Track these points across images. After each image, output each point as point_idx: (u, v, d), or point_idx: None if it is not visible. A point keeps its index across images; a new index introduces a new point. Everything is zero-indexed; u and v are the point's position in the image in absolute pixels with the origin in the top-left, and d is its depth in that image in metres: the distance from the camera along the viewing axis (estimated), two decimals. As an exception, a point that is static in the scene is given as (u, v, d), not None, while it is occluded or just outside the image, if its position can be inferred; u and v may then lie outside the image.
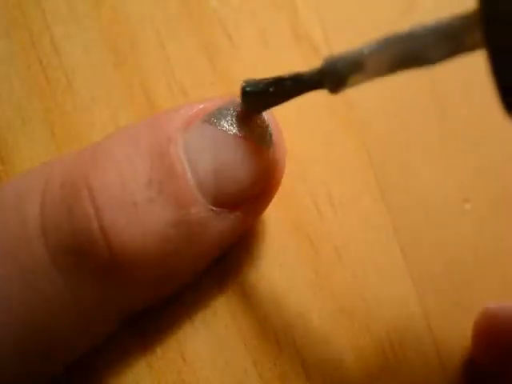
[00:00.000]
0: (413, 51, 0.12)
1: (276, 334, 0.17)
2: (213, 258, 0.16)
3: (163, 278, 0.15)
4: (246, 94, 0.14)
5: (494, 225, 0.18)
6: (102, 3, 0.18)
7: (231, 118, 0.14)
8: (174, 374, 0.16)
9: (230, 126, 0.14)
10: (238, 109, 0.15)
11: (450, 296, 0.18)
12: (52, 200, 0.14)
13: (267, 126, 0.15)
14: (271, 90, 0.14)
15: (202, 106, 0.15)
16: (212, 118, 0.14)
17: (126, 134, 0.15)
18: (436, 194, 0.18)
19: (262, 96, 0.14)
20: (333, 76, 0.12)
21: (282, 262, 0.17)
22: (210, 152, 0.14)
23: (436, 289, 0.18)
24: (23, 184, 0.15)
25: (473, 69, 0.18)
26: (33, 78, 0.18)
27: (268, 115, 0.15)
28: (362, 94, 0.18)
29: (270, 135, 0.15)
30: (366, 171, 0.18)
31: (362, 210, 0.18)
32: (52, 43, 0.18)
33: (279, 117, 0.15)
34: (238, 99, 0.15)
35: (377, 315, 0.17)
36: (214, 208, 0.14)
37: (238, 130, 0.14)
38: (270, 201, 0.16)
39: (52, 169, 0.15)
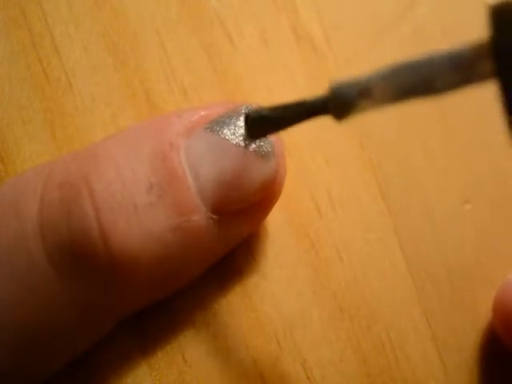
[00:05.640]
0: (422, 80, 0.12)
1: (276, 334, 0.17)
2: (212, 263, 0.16)
3: (161, 282, 0.15)
4: (250, 121, 0.14)
5: (494, 225, 0.18)
6: (102, 3, 0.18)
7: (234, 126, 0.14)
8: (174, 374, 0.16)
9: (232, 135, 0.14)
10: (240, 118, 0.15)
11: (450, 296, 0.18)
12: (51, 200, 0.14)
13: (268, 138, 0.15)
14: (275, 116, 0.14)
15: (203, 113, 0.15)
16: (214, 125, 0.14)
17: (127, 137, 0.15)
18: (436, 194, 0.18)
19: (266, 122, 0.14)
20: (339, 102, 0.12)
21: (282, 262, 0.17)
22: (211, 160, 0.14)
23: (436, 289, 0.18)
24: (22, 183, 0.15)
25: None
26: (33, 78, 0.18)
27: None
28: (362, 94, 0.18)
29: (272, 146, 0.15)
30: (366, 171, 0.18)
31: (362, 210, 0.18)
32: (52, 43, 0.18)
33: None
34: (241, 108, 0.15)
35: (377, 315, 0.17)
36: (214, 216, 0.14)
37: (240, 140, 0.14)
38: (270, 209, 0.16)
39: (52, 169, 0.15)
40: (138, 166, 0.14)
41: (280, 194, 0.16)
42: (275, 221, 0.17)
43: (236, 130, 0.14)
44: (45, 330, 0.14)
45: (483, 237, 0.18)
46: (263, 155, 0.15)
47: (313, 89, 0.18)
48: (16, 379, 0.14)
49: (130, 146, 0.14)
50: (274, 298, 0.17)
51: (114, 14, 0.18)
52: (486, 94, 0.18)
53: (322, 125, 0.18)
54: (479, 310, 0.17)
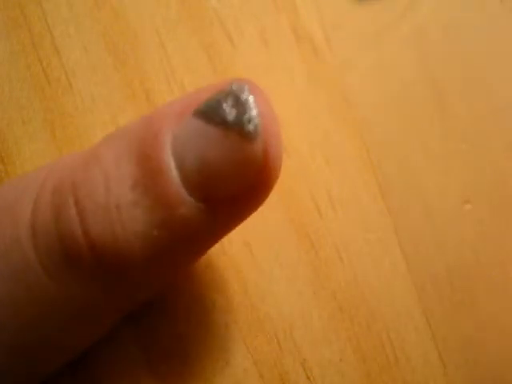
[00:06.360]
0: None
1: (276, 334, 0.17)
2: (211, 247, 0.16)
3: (156, 275, 0.15)
4: None
5: (494, 225, 0.18)
6: (102, 3, 0.18)
7: (218, 108, 0.14)
8: (174, 374, 0.16)
9: (216, 118, 0.14)
10: (227, 99, 0.14)
11: (450, 296, 0.18)
12: (43, 204, 0.14)
13: (253, 117, 0.14)
14: None
15: (194, 97, 0.14)
16: (200, 110, 0.14)
17: (119, 135, 0.14)
18: (436, 194, 0.18)
19: None
20: None
21: (282, 262, 0.17)
22: (195, 146, 0.14)
23: (436, 289, 0.18)
24: (21, 186, 0.15)
25: (473, 68, 0.18)
26: (33, 78, 0.18)
27: (264, 107, 0.14)
28: (362, 93, 0.18)
29: (256, 126, 0.14)
30: (366, 171, 0.18)
31: (362, 210, 0.18)
32: (52, 43, 0.18)
33: (279, 117, 0.15)
34: (227, 87, 0.14)
35: (377, 315, 0.17)
36: (202, 205, 0.14)
37: (223, 121, 0.14)
38: (265, 193, 0.15)
39: (50, 171, 0.15)
40: (123, 163, 0.14)
41: (277, 177, 0.15)
42: (275, 220, 0.17)
43: (220, 112, 0.14)
44: (43, 330, 0.14)
45: (483, 237, 0.18)
46: (246, 135, 0.14)
47: (313, 89, 0.18)
48: (15, 379, 0.14)
49: (119, 144, 0.14)
50: (274, 297, 0.17)
51: (114, 14, 0.18)
52: (486, 95, 0.18)
53: (322, 124, 0.18)
54: (479, 310, 0.17)
